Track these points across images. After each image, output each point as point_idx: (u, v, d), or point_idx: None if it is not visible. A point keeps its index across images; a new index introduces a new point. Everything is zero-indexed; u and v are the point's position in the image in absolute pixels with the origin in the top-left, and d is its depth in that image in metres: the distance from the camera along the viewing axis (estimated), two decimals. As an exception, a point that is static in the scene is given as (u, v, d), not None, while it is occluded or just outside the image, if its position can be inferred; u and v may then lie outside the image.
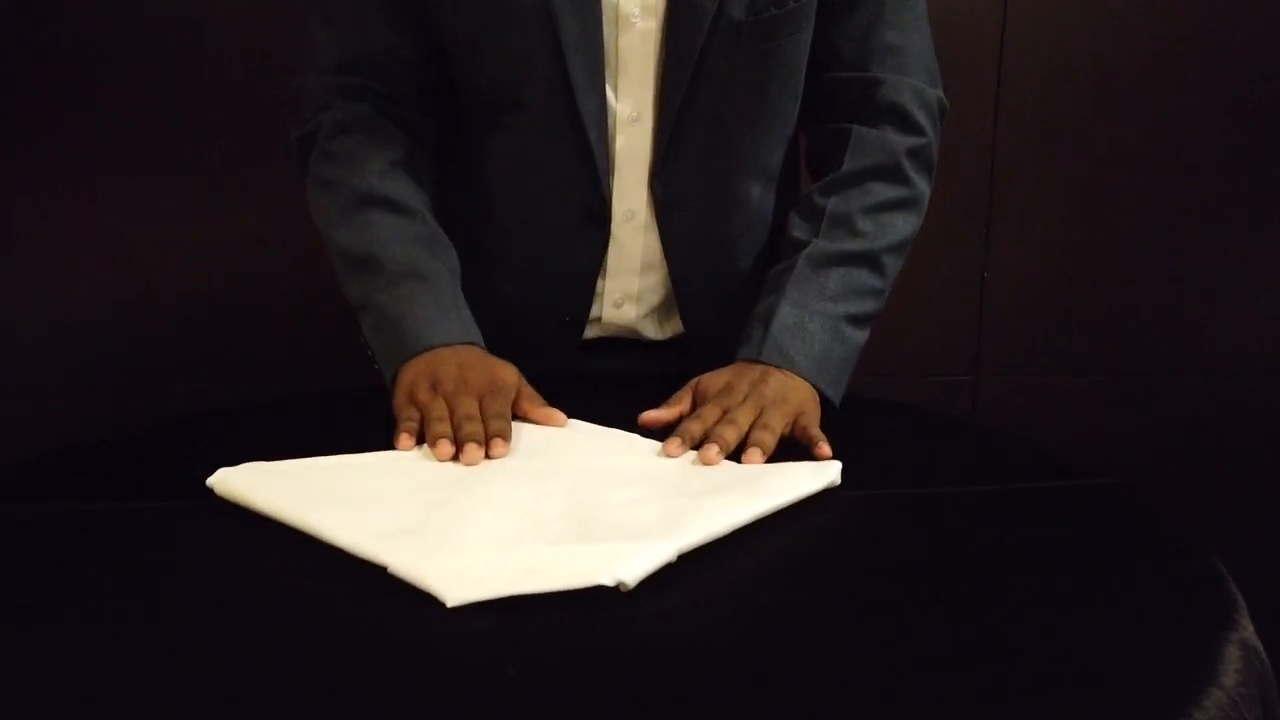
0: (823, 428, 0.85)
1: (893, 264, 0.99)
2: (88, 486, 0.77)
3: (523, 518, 0.67)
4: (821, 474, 0.76)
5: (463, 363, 0.88)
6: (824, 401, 0.91)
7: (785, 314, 0.93)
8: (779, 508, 0.71)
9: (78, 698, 0.50)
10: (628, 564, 0.60)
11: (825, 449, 0.81)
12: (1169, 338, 1.74)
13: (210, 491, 0.73)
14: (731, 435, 0.82)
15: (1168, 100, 1.65)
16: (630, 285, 1.03)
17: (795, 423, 0.86)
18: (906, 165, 0.99)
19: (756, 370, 0.90)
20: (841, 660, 0.54)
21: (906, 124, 1.00)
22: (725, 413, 0.85)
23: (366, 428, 0.85)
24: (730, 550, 0.65)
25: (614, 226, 1.00)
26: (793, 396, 0.88)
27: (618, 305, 1.04)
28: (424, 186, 1.00)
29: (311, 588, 0.61)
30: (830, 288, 0.95)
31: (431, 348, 0.89)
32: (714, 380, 0.91)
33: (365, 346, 0.96)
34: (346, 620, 0.58)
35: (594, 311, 1.04)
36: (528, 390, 0.90)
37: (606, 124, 0.95)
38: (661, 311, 1.06)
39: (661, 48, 0.94)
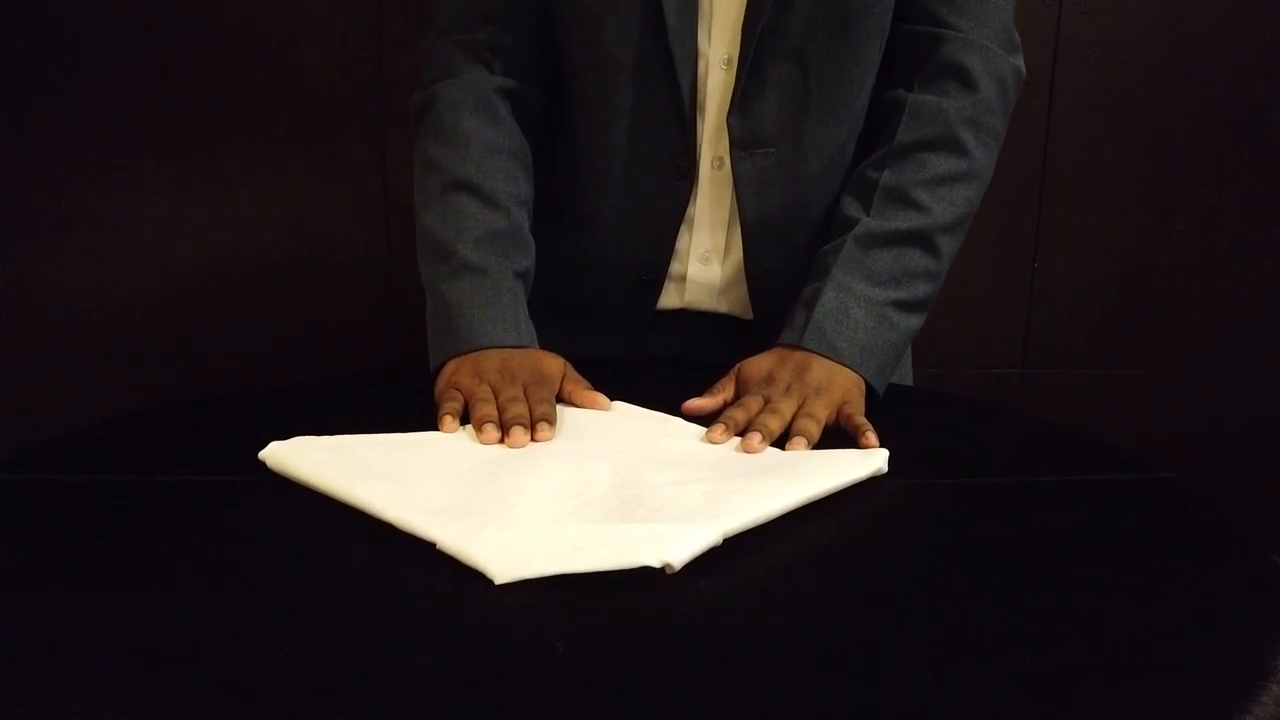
0: (869, 415, 0.84)
1: (948, 244, 0.95)
2: (141, 459, 0.78)
3: (570, 498, 0.67)
4: (869, 461, 0.75)
5: (507, 356, 0.89)
6: (869, 390, 0.90)
7: (829, 298, 0.90)
8: (825, 494, 0.71)
9: (130, 664, 0.51)
10: (674, 546, 0.60)
11: (871, 438, 0.80)
12: (1219, 332, 1.71)
13: (262, 465, 0.73)
14: (775, 424, 0.81)
15: (1223, 92, 1.61)
16: (718, 238, 1.01)
17: (840, 411, 0.85)
18: (964, 135, 0.94)
19: (799, 357, 0.89)
20: (885, 648, 0.53)
21: (968, 86, 0.95)
22: (768, 402, 0.84)
23: (417, 405, 0.86)
24: (776, 536, 0.65)
25: (701, 174, 0.98)
26: (836, 384, 0.87)
27: (704, 261, 1.02)
28: (522, 175, 0.99)
29: (360, 562, 0.62)
30: (879, 271, 0.92)
31: (480, 349, 0.89)
32: (757, 366, 0.90)
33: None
34: (395, 594, 0.58)
35: (678, 268, 1.02)
36: (573, 374, 0.90)
37: (697, 68, 0.94)
38: (740, 281, 1.03)
39: None
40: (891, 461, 0.76)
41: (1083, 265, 1.67)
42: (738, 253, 1.01)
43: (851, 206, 0.96)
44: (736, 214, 0.99)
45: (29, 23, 1.52)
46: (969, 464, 0.80)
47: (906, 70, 0.97)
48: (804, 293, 0.94)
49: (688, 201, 0.99)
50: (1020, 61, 0.98)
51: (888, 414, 0.86)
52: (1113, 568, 0.63)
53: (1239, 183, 1.65)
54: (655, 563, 0.59)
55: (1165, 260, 1.68)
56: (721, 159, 0.98)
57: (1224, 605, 0.59)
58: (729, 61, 0.94)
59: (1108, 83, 1.60)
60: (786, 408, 0.83)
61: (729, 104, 0.95)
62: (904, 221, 0.93)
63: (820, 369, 0.88)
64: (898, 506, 0.72)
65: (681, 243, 1.01)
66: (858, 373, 0.89)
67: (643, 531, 0.62)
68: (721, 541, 0.62)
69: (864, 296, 0.91)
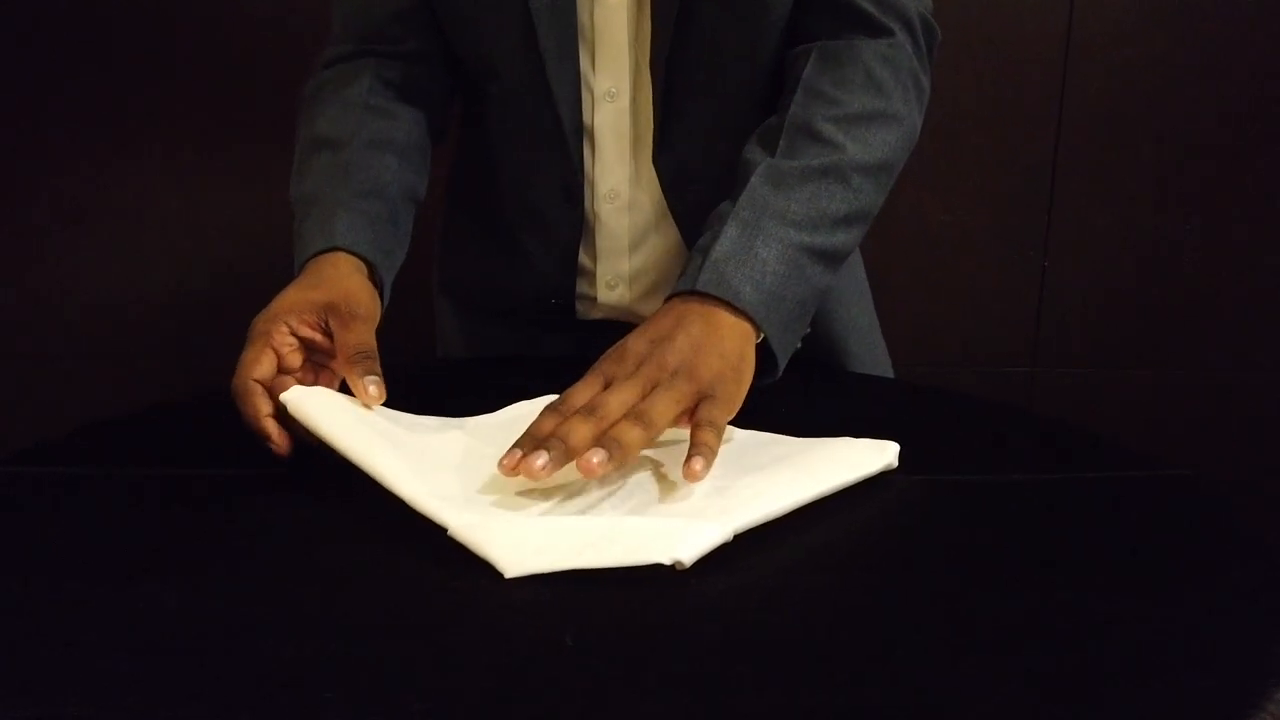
0: (869, 412, 0.82)
1: (869, 187, 0.82)
2: (144, 453, 0.78)
3: (581, 493, 0.67)
4: (880, 455, 0.74)
5: (289, 289, 0.80)
6: (768, 362, 0.77)
7: (731, 236, 0.75)
8: (836, 489, 0.70)
9: (135, 658, 0.51)
10: (685, 543, 0.59)
11: (695, 467, 0.64)
12: (1230, 331, 1.71)
13: (271, 459, 0.73)
14: (582, 434, 0.64)
15: (1235, 91, 1.61)
16: (620, 267, 1.00)
17: (697, 409, 0.69)
18: (880, 72, 0.84)
19: (679, 310, 0.73)
20: (894, 646, 0.53)
21: (880, 32, 0.86)
22: (607, 385, 0.69)
23: (417, 403, 0.85)
24: (786, 532, 0.65)
25: (597, 206, 0.97)
26: (704, 368, 0.70)
27: (611, 288, 1.01)
28: (370, 117, 0.92)
29: (368, 555, 0.62)
30: (794, 210, 0.78)
31: (303, 268, 0.83)
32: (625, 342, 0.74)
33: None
34: (403, 588, 0.58)
35: (590, 292, 1.02)
36: (342, 316, 0.77)
37: (582, 98, 0.92)
38: (659, 293, 1.01)
39: (637, 18, 0.89)
40: (901, 459, 0.75)
41: (1093, 264, 1.67)
42: (649, 278, 1.00)
43: (754, 152, 0.83)
44: (637, 243, 0.98)
45: (33, 21, 1.52)
46: (978, 462, 0.80)
47: (812, 33, 0.88)
48: (699, 242, 0.79)
49: (580, 229, 0.98)
50: (928, 12, 0.90)
51: (895, 411, 0.85)
52: (1121, 567, 0.63)
53: (1250, 182, 1.65)
54: (666, 560, 0.58)
55: (1176, 259, 1.67)
56: (616, 191, 0.96)
57: (1234, 604, 0.59)
58: (615, 94, 0.92)
59: (1119, 81, 1.60)
60: (617, 402, 0.66)
61: (650, 143, 0.93)
62: (815, 157, 0.80)
63: (695, 332, 0.71)
64: (907, 504, 0.72)
65: (587, 268, 1.01)
66: (757, 329, 0.74)
67: (653, 528, 0.61)
68: (732, 538, 0.62)
69: (774, 235, 0.76)
